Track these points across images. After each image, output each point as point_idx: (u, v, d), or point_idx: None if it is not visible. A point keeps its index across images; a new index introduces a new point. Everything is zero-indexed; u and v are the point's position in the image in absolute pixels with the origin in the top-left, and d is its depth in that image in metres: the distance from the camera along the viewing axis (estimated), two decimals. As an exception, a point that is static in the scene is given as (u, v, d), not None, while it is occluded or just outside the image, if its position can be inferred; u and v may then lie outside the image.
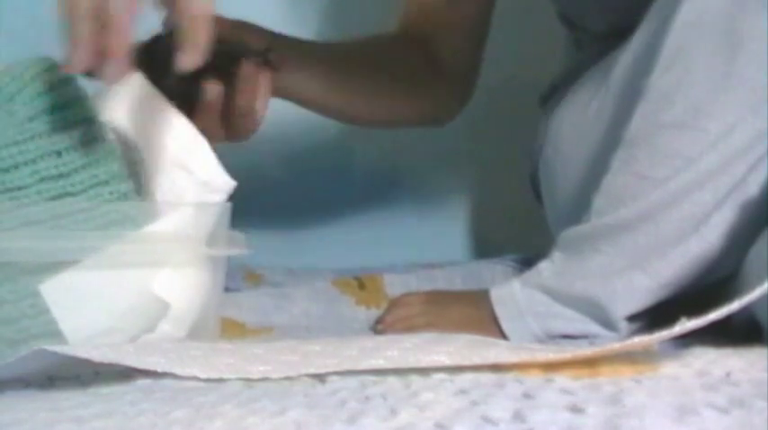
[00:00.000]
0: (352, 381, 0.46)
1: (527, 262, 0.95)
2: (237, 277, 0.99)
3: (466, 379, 0.46)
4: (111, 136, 0.61)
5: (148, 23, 0.72)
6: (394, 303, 0.86)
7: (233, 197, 0.65)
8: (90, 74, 0.57)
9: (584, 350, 0.49)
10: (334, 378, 0.47)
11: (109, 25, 0.55)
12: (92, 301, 0.57)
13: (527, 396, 0.41)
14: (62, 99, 0.60)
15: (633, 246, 0.71)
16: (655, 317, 0.72)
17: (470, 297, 0.82)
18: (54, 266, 0.56)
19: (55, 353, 0.47)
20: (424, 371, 0.47)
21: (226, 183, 0.65)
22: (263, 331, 0.81)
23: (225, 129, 0.77)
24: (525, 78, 1.10)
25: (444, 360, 0.49)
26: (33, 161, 0.58)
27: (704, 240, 0.69)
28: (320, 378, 0.47)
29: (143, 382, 0.48)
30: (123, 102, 0.63)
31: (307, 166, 1.26)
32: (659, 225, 0.70)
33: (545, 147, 0.94)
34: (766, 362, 0.47)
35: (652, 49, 0.71)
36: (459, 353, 0.50)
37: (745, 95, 0.67)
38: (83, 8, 0.55)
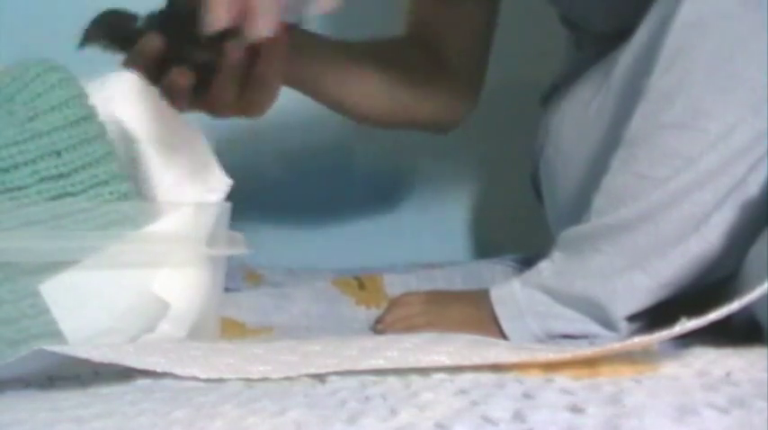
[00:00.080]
0: (352, 381, 0.46)
1: (527, 262, 0.95)
2: (237, 277, 0.99)
3: (466, 379, 0.46)
4: (110, 134, 0.61)
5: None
6: (394, 303, 0.86)
7: (233, 197, 0.65)
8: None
9: (584, 350, 0.49)
10: (334, 378, 0.47)
11: None
12: (92, 301, 0.57)
13: (527, 396, 0.41)
14: (62, 99, 0.60)
15: (633, 245, 0.71)
16: (655, 317, 0.72)
17: (470, 297, 0.82)
18: (54, 266, 0.56)
19: (55, 354, 0.47)
20: (424, 371, 0.47)
21: (224, 182, 0.65)
22: (263, 331, 0.81)
23: (241, 103, 0.76)
24: (525, 78, 1.10)
25: (444, 360, 0.49)
26: (33, 161, 0.58)
27: (704, 240, 0.69)
28: (320, 378, 0.47)
29: (143, 382, 0.48)
30: (120, 98, 0.63)
31: (307, 166, 1.26)
32: (659, 225, 0.70)
33: (546, 146, 0.94)
34: (766, 362, 0.47)
35: (652, 50, 0.71)
36: (460, 353, 0.50)
37: (746, 95, 0.67)
38: None
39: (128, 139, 0.63)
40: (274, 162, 1.25)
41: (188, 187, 0.63)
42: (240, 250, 0.66)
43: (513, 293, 0.77)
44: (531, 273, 0.78)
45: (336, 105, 0.94)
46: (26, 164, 0.58)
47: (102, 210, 0.58)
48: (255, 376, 0.47)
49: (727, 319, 0.47)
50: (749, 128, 0.67)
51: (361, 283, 0.95)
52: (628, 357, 0.49)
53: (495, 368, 0.47)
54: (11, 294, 0.56)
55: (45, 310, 0.56)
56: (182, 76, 0.72)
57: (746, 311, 0.55)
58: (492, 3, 0.99)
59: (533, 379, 0.45)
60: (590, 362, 0.47)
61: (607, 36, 0.87)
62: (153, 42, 0.72)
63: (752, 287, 0.47)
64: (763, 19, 0.66)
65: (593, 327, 0.73)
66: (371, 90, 0.94)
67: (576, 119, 0.88)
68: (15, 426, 0.40)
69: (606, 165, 0.74)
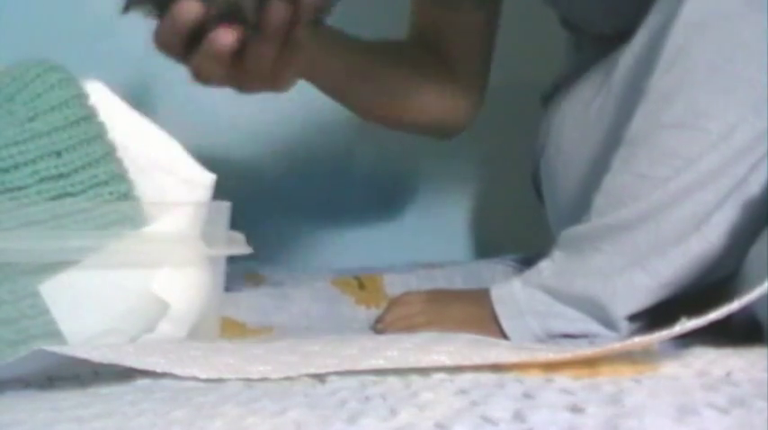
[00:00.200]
0: (352, 381, 0.46)
1: (527, 261, 0.95)
2: (237, 277, 0.99)
3: (466, 379, 0.46)
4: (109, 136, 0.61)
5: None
6: (394, 302, 0.86)
7: (233, 197, 0.65)
8: None
9: (585, 350, 0.49)
10: (334, 378, 0.47)
11: None
12: (92, 301, 0.57)
13: (527, 396, 0.41)
14: (62, 99, 0.60)
15: (634, 245, 0.71)
16: (655, 317, 0.72)
17: (471, 296, 0.82)
18: (54, 266, 0.56)
19: (54, 354, 0.47)
20: (424, 371, 0.47)
21: (206, 178, 0.64)
22: (263, 331, 0.81)
23: (274, 71, 0.76)
24: (526, 78, 1.10)
25: (444, 360, 0.49)
26: (33, 161, 0.58)
27: (705, 240, 0.69)
28: (320, 378, 0.47)
29: (143, 382, 0.48)
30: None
31: (307, 166, 1.26)
32: (660, 224, 0.70)
33: (546, 146, 0.94)
34: (766, 362, 0.47)
35: (653, 50, 0.71)
36: (460, 353, 0.50)
37: (746, 95, 0.67)
38: None
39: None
40: (274, 162, 1.25)
41: (172, 188, 0.63)
42: (240, 250, 0.66)
43: (513, 293, 0.77)
44: (531, 273, 0.78)
45: (343, 99, 0.95)
46: (26, 164, 0.58)
47: (101, 210, 0.58)
48: (255, 376, 0.47)
49: (727, 319, 0.47)
50: (750, 128, 0.67)
51: (361, 283, 0.95)
52: (628, 357, 0.49)
53: (495, 368, 0.47)
54: (11, 294, 0.56)
55: (45, 311, 0.56)
56: (226, 34, 0.70)
57: (746, 311, 0.54)
58: (493, 4, 1.00)
59: (533, 379, 0.45)
60: (590, 362, 0.47)
61: (606, 37, 0.87)
62: (191, 6, 0.70)
63: (752, 287, 0.47)
64: (764, 19, 0.66)
65: (594, 327, 0.73)
66: (376, 86, 0.94)
67: (577, 119, 0.88)
68: (15, 426, 0.40)
69: (607, 165, 0.74)
